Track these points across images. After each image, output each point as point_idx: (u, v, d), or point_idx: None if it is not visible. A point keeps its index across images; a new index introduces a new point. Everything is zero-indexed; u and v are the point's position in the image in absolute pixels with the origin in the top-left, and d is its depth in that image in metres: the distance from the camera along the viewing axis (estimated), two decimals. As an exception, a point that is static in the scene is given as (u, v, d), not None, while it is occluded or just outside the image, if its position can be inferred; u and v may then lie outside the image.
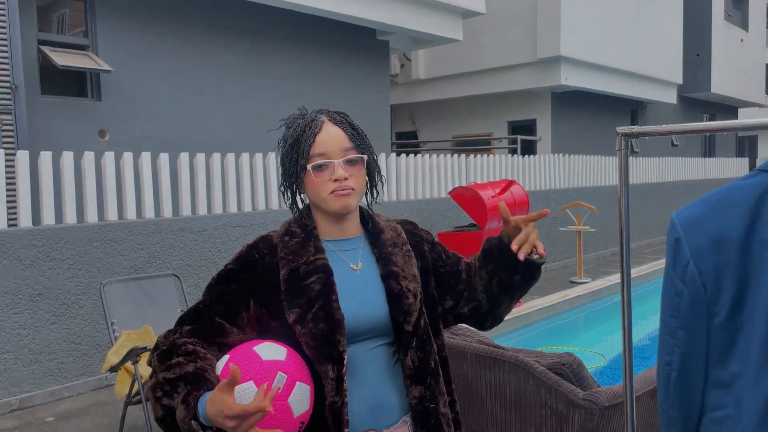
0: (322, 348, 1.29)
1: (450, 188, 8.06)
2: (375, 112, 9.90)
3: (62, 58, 6.00)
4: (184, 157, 5.50)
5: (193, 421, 1.16)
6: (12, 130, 5.69)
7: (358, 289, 1.37)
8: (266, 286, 1.34)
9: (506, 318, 1.63)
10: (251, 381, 1.15)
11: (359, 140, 1.40)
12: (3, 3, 5.59)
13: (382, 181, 1.48)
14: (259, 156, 6.05)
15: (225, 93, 7.91)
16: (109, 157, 5.05)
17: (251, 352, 1.21)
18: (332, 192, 1.34)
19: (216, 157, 5.71)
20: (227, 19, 7.73)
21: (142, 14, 7.00)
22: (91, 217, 4.92)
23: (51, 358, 4.54)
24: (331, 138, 1.36)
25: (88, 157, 4.95)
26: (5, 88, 5.64)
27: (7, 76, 5.64)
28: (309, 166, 1.34)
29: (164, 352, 1.29)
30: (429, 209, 7.82)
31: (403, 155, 7.82)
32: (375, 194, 1.47)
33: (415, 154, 8.04)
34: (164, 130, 7.15)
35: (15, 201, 4.82)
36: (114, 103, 6.75)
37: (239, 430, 1.09)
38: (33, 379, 4.45)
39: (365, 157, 1.39)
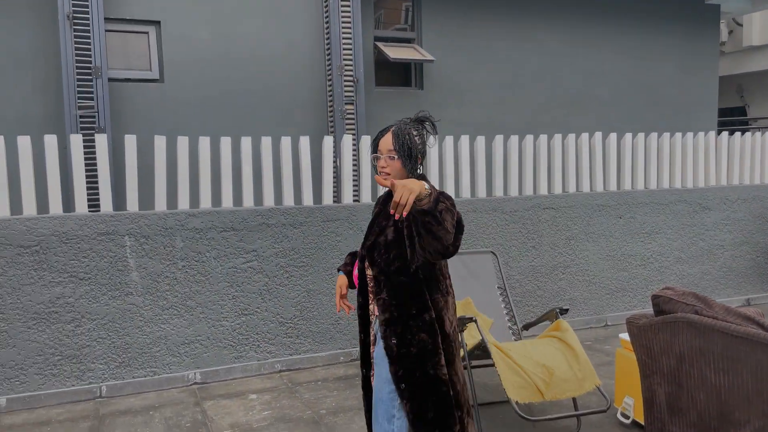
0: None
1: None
2: (699, 87, 8.82)
3: (394, 52, 6.67)
4: (498, 139, 5.66)
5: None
6: (353, 118, 6.55)
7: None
8: None
9: None
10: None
11: (398, 146, 2.31)
12: (348, 6, 6.43)
13: (416, 173, 2.38)
14: (571, 137, 5.90)
15: (539, 74, 7.90)
16: (433, 140, 5.46)
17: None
18: (378, 173, 2.36)
19: (528, 139, 5.74)
20: (540, 1, 7.68)
21: (461, 5, 7.38)
22: (417, 195, 5.40)
23: (382, 319, 5.15)
24: (383, 142, 2.37)
25: (416, 140, 5.42)
26: (349, 82, 6.51)
27: (351, 71, 6.49)
28: (371, 156, 2.41)
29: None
30: (763, 196, 6.69)
31: (725, 134, 6.81)
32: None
33: (743, 133, 6.95)
34: (478, 113, 7.47)
35: (358, 181, 5.55)
36: (434, 91, 7.28)
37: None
38: (369, 334, 5.11)
39: (396, 157, 2.32)
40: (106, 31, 5.63)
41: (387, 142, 2.34)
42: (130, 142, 4.52)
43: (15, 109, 5.54)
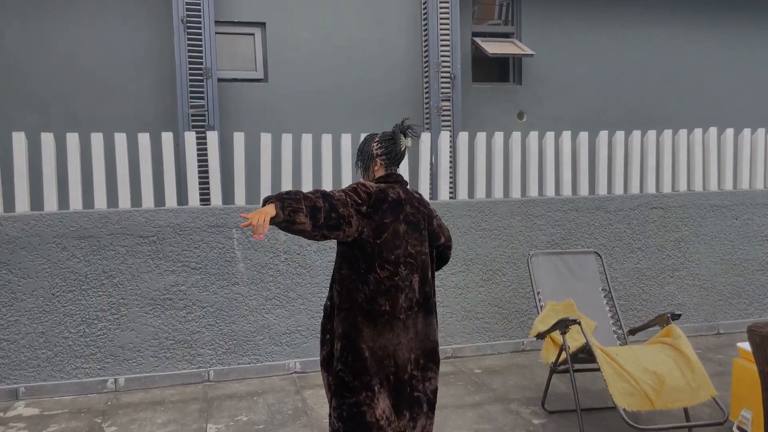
0: None
1: None
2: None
3: (492, 47, 6.57)
4: (603, 135, 5.44)
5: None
6: (449, 115, 6.52)
7: None
8: None
9: None
10: None
11: (357, 160, 2.76)
12: (447, 3, 6.40)
13: (372, 176, 2.69)
14: (683, 133, 5.57)
15: (645, 68, 7.53)
16: (533, 136, 5.33)
17: None
18: None
19: (635, 135, 5.47)
20: (648, -12, 7.30)
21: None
22: (515, 192, 5.29)
23: (478, 317, 5.10)
24: None
25: (515, 137, 5.31)
26: (446, 79, 6.47)
27: (448, 67, 6.46)
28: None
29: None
30: None
31: None
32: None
33: None
34: (579, 108, 7.22)
35: (454, 178, 5.53)
36: (533, 86, 7.10)
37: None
38: (463, 333, 5.07)
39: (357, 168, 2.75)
40: (216, 33, 5.92)
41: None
42: (239, 139, 4.73)
43: (133, 107, 5.95)
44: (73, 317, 4.32)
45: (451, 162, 5.82)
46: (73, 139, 4.43)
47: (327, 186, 4.89)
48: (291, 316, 4.72)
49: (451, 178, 5.72)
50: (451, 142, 5.87)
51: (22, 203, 4.35)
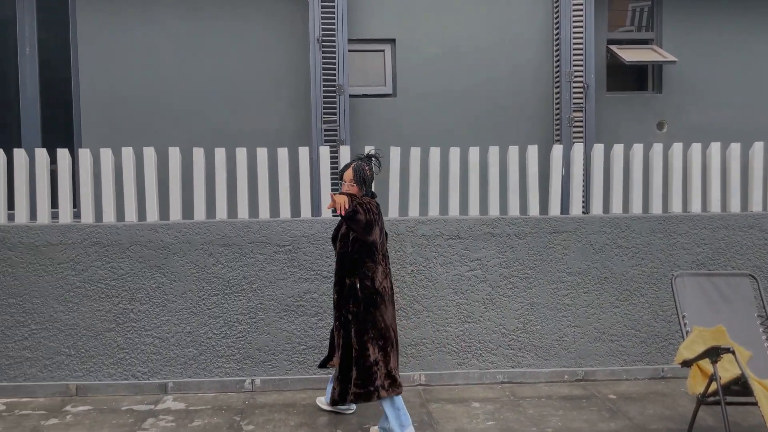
0: None
1: None
2: None
3: (629, 54, 6.25)
4: (758, 146, 4.96)
5: None
6: (582, 126, 6.27)
7: None
8: None
9: None
10: None
11: (356, 178, 3.67)
12: (581, 10, 6.18)
13: (368, 193, 3.75)
14: None
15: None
16: (677, 147, 4.99)
17: None
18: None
19: (798, 145, 4.94)
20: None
21: (706, 1, 6.66)
22: (656, 208, 4.97)
23: (612, 339, 4.82)
24: (347, 174, 3.69)
25: (656, 149, 4.99)
26: (579, 88, 6.24)
27: (581, 76, 6.23)
28: (339, 182, 3.73)
29: None
30: None
31: None
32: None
33: None
34: (727, 117, 6.66)
35: (587, 191, 5.30)
36: (674, 94, 6.66)
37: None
38: (596, 355, 4.82)
39: (354, 184, 3.69)
40: (348, 51, 6.14)
41: (349, 174, 3.70)
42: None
43: (272, 123, 6.31)
44: (217, 319, 4.64)
45: (584, 175, 5.58)
46: (220, 154, 4.78)
47: (454, 199, 4.88)
48: (416, 328, 4.74)
49: (584, 191, 5.48)
50: (584, 154, 5.63)
51: (176, 212, 4.75)
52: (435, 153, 4.90)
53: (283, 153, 4.82)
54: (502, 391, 4.59)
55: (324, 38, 5.96)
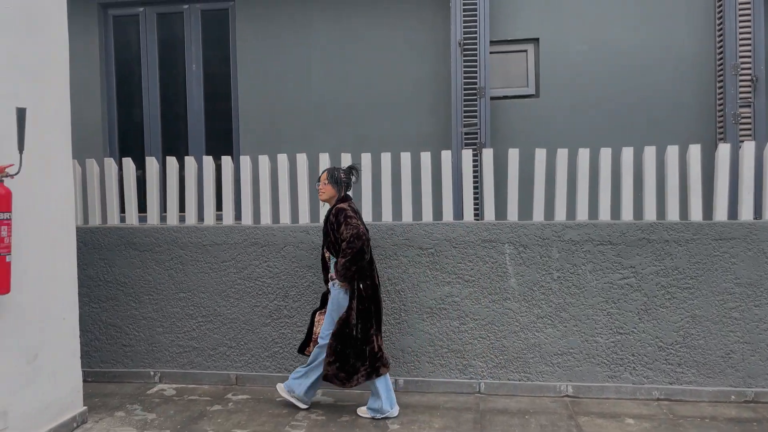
0: None
1: None
2: None
3: (809, 41, 5.57)
4: None
5: None
6: (750, 122, 5.70)
7: None
8: None
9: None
10: None
11: (330, 178, 4.24)
12: (748, 1, 5.62)
13: (340, 194, 4.26)
14: None
15: None
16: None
17: None
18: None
19: None
20: None
21: None
22: None
23: (790, 359, 4.32)
24: (323, 176, 4.30)
25: None
26: (746, 82, 5.68)
27: (749, 69, 5.67)
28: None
29: None
30: None
31: None
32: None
33: None
34: None
35: (761, 193, 4.79)
36: None
37: None
38: (770, 375, 4.35)
39: (327, 183, 4.27)
40: (490, 53, 6.07)
41: (324, 176, 4.27)
42: (513, 155, 4.77)
43: (412, 127, 6.40)
44: (362, 319, 4.78)
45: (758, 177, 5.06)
46: (366, 159, 4.93)
47: (605, 202, 4.64)
48: (563, 337, 4.56)
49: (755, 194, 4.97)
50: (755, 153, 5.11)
51: (324, 215, 4.97)
52: (584, 154, 4.69)
53: (426, 157, 4.87)
54: (658, 408, 4.28)
55: (465, 41, 5.94)
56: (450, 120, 6.17)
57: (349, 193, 4.34)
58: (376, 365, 4.08)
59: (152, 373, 5.00)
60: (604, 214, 4.67)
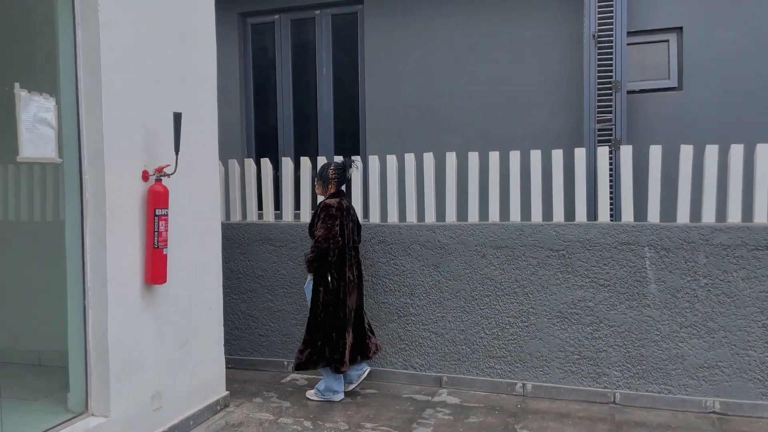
0: None
1: None
2: None
3: None
4: None
5: None
6: None
7: None
8: None
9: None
10: None
11: (317, 177, 4.64)
12: None
13: (326, 193, 4.59)
14: None
15: None
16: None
17: None
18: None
19: None
20: None
21: None
22: None
23: None
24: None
25: None
26: None
27: None
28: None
29: None
30: None
31: None
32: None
33: None
34: None
35: None
36: None
37: None
38: None
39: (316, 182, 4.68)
40: (627, 44, 5.74)
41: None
42: (655, 152, 4.47)
43: (541, 124, 6.19)
44: (488, 320, 4.71)
45: None
46: (494, 157, 4.85)
47: (761, 203, 4.21)
48: (710, 349, 4.21)
49: None
50: None
51: (451, 214, 4.95)
52: (737, 150, 4.30)
53: (557, 155, 4.70)
54: (825, 434, 3.83)
55: (600, 33, 5.66)
56: (581, 116, 5.91)
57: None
58: (334, 357, 4.36)
59: (285, 363, 5.25)
60: (760, 216, 4.25)
